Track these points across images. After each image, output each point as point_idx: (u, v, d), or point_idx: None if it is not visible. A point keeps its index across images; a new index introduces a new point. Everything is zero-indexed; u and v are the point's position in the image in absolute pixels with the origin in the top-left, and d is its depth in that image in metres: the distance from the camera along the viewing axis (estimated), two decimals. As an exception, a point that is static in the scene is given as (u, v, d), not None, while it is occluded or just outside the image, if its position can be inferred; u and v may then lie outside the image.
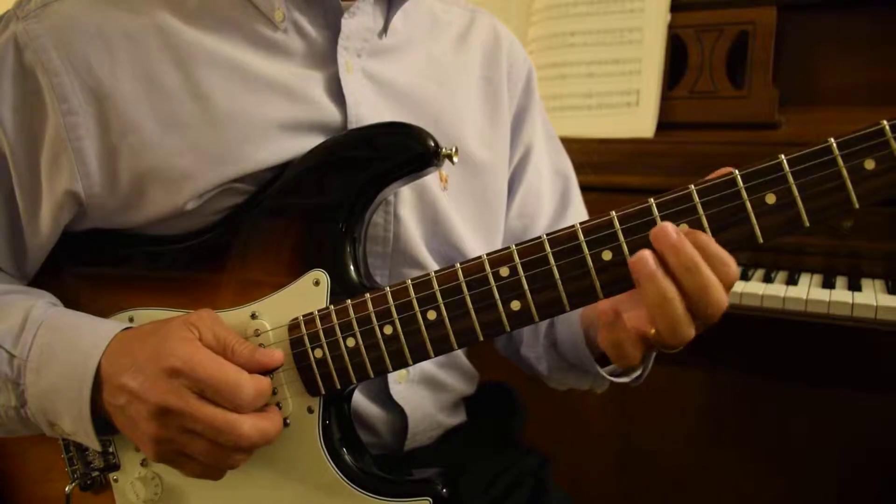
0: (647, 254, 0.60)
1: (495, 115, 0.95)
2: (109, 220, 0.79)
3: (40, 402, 0.72)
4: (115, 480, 0.80)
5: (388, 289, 0.70)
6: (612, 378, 0.83)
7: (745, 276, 1.35)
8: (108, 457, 0.79)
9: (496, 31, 0.99)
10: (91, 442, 0.73)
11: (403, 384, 0.87)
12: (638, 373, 0.85)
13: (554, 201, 1.02)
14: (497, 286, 0.66)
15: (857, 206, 0.59)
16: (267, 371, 0.71)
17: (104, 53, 0.74)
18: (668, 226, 0.60)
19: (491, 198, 0.94)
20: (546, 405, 1.45)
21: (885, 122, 0.58)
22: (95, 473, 0.80)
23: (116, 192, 0.76)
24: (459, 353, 0.98)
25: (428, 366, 0.91)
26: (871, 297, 1.19)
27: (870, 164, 0.58)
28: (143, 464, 0.78)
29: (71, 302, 0.81)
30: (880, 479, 1.55)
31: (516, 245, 0.66)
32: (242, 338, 0.72)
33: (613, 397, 0.97)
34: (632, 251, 0.62)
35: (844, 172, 0.59)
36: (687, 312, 0.61)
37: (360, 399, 0.84)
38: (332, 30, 0.81)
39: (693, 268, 0.60)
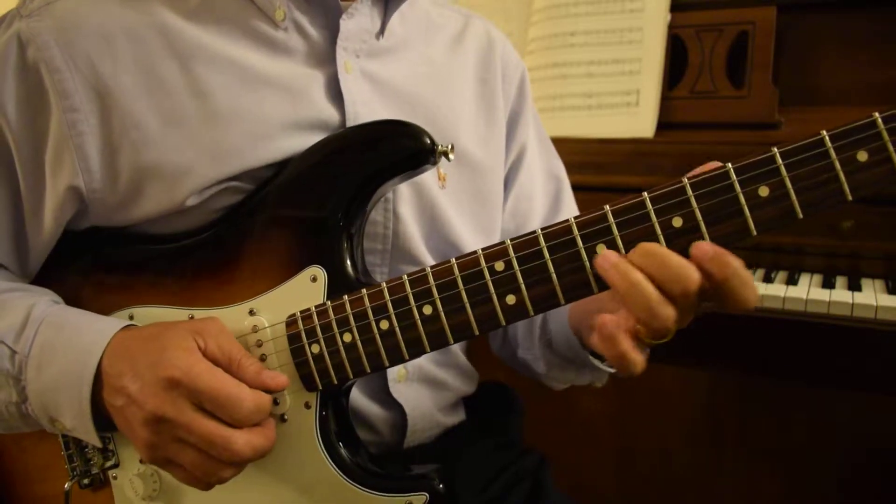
0: (606, 251, 0.63)
1: (490, 115, 0.96)
2: (110, 217, 0.79)
3: (41, 398, 0.73)
4: (114, 478, 0.80)
5: (384, 284, 0.71)
6: (612, 370, 0.82)
7: (745, 276, 1.35)
8: (108, 454, 0.80)
9: (489, 34, 1.00)
10: (91, 438, 0.73)
11: (403, 382, 0.87)
12: None
13: (546, 203, 1.03)
14: (492, 280, 0.67)
15: (850, 197, 0.59)
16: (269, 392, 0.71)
17: (106, 51, 0.75)
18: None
19: (488, 196, 0.94)
20: (546, 405, 1.45)
21: (876, 114, 0.58)
22: (95, 471, 0.80)
23: (117, 188, 0.77)
24: (459, 353, 0.98)
25: (427, 365, 0.91)
26: (871, 297, 1.19)
27: (862, 156, 0.58)
28: (142, 461, 0.78)
29: (72, 300, 0.81)
30: (880, 479, 1.55)
31: (511, 240, 0.67)
32: (247, 352, 0.72)
33: (613, 398, 0.97)
34: (626, 244, 0.63)
35: (837, 165, 0.59)
36: (658, 293, 0.60)
37: (359, 398, 0.85)
38: (332, 30, 0.82)
39: (653, 250, 0.60)
